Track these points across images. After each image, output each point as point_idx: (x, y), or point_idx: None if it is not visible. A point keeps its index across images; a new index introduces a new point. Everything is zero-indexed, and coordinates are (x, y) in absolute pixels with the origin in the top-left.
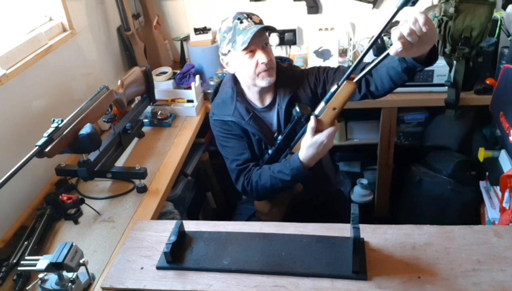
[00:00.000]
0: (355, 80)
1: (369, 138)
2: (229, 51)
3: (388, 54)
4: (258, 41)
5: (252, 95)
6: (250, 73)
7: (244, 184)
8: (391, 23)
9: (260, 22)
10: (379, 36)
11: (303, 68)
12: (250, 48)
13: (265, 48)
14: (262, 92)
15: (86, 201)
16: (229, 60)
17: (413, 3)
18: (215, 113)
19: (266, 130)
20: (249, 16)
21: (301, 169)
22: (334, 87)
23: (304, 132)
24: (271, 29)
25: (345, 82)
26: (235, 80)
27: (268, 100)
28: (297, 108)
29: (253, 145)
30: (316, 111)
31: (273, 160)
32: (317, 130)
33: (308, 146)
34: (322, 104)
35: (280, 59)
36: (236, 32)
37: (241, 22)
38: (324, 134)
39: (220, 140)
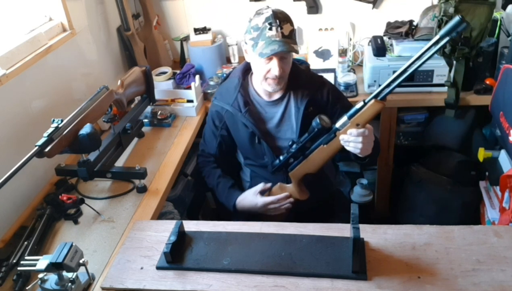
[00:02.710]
0: (379, 98)
1: None
2: (249, 44)
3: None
4: (278, 54)
5: (260, 88)
6: (259, 75)
7: (200, 164)
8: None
9: (289, 34)
10: (413, 62)
11: (321, 75)
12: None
13: (283, 60)
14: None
15: (86, 201)
16: (248, 51)
17: (457, 33)
18: (217, 98)
19: (260, 124)
20: (281, 24)
21: (230, 207)
22: (360, 104)
23: (321, 143)
24: (293, 51)
25: (373, 100)
26: (244, 72)
27: (276, 96)
28: (318, 120)
29: (245, 137)
30: (337, 125)
31: (284, 166)
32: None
33: (249, 201)
34: (344, 118)
35: (297, 61)
36: (261, 36)
37: (270, 29)
38: (263, 202)
39: (208, 119)
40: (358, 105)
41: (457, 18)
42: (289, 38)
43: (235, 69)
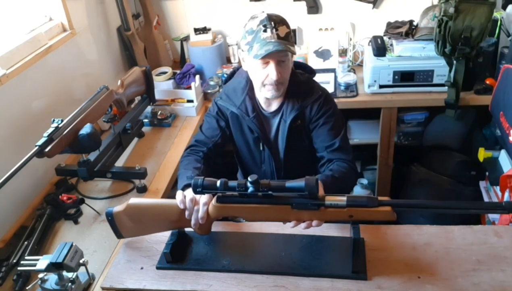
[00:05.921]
0: (396, 209)
1: (369, 138)
2: (245, 50)
3: None
4: (274, 56)
5: (260, 97)
6: (258, 81)
7: (187, 152)
8: None
9: (286, 36)
10: None
11: (324, 88)
12: (265, 60)
13: (281, 64)
14: (268, 98)
15: (86, 201)
16: (245, 58)
17: None
18: (223, 98)
19: (265, 132)
20: (276, 26)
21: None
22: (371, 196)
23: (292, 204)
24: (289, 51)
25: (389, 208)
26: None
27: (274, 106)
28: (309, 181)
29: (249, 141)
30: (328, 200)
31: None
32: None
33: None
34: (342, 199)
35: (302, 68)
36: (255, 39)
37: (265, 31)
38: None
39: (209, 115)
40: (364, 197)
41: None
42: (285, 40)
43: (240, 69)
